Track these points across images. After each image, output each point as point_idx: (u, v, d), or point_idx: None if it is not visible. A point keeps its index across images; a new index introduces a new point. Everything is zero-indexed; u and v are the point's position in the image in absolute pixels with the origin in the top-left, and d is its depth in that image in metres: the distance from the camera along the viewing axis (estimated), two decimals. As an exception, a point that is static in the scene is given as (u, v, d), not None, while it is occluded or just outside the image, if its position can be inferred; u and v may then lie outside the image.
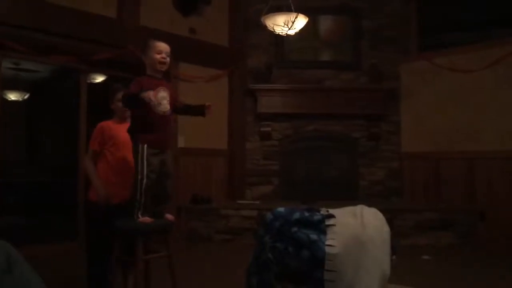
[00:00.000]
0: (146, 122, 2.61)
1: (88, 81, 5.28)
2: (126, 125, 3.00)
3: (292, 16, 3.95)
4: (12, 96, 7.18)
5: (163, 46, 2.73)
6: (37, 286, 1.13)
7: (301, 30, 4.18)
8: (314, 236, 1.80)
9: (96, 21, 4.69)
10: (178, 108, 2.85)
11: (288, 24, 3.96)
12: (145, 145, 2.59)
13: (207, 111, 2.81)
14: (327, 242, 1.77)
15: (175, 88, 2.88)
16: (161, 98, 2.64)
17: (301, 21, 4.03)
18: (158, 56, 2.68)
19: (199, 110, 2.85)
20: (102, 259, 2.83)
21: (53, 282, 2.31)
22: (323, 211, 1.95)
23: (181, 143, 5.46)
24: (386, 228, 1.97)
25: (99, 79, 6.06)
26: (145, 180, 2.57)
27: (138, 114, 2.64)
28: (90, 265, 2.97)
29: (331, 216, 1.89)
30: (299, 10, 4.00)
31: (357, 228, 1.84)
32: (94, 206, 2.94)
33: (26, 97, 7.41)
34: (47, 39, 4.38)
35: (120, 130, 2.98)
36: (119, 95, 3.01)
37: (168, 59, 2.72)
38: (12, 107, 7.45)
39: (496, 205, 5.16)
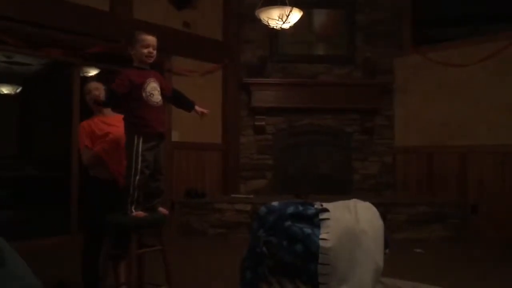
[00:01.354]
0: (139, 115, 2.58)
1: (81, 75, 5.24)
2: (100, 117, 2.99)
3: (286, 9, 3.94)
4: (5, 90, 7.14)
5: (150, 40, 2.67)
6: (30, 280, 1.13)
7: (296, 24, 4.17)
8: (308, 230, 1.81)
9: (89, 14, 4.65)
10: (168, 96, 2.82)
11: (283, 18, 3.96)
12: (141, 139, 2.57)
13: (196, 111, 2.86)
14: (321, 236, 1.78)
15: (163, 77, 2.87)
16: (152, 89, 2.62)
17: (295, 15, 4.02)
18: (145, 51, 2.63)
19: (187, 106, 2.87)
20: (99, 247, 2.84)
21: (46, 276, 2.30)
22: (317, 205, 1.95)
23: (175, 137, 5.45)
24: (379, 222, 1.98)
25: (92, 72, 6.02)
26: (138, 176, 2.55)
27: (130, 107, 2.61)
28: (87, 254, 2.95)
29: (325, 210, 1.90)
30: (294, 3, 3.99)
31: (350, 222, 1.85)
32: (98, 183, 2.91)
33: (18, 90, 7.36)
34: (39, 32, 4.34)
35: (96, 123, 2.96)
36: (87, 87, 2.97)
37: (155, 52, 2.68)
38: (4, 101, 7.40)
39: (487, 199, 5.21)
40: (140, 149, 2.56)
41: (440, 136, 5.69)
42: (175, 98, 2.89)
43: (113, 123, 2.95)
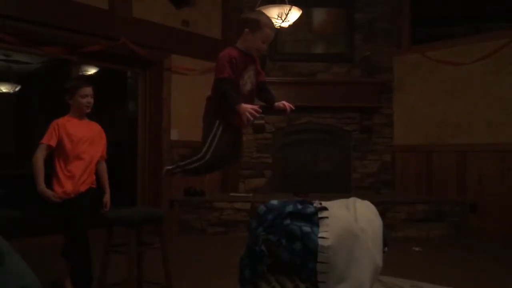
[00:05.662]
0: (226, 102, 2.42)
1: (80, 73, 5.24)
2: (86, 122, 2.96)
3: (285, 8, 3.94)
4: (3, 88, 7.12)
5: (272, 35, 2.45)
6: (29, 278, 1.12)
7: (295, 22, 4.17)
8: (307, 229, 1.80)
9: (87, 12, 4.64)
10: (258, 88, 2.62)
11: (282, 17, 3.95)
12: (218, 121, 2.45)
13: (279, 107, 2.63)
14: (319, 235, 1.78)
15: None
16: (248, 78, 2.50)
17: (294, 14, 4.02)
18: (262, 45, 2.46)
19: (271, 102, 2.68)
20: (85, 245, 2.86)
21: (44, 274, 2.31)
22: (316, 203, 1.95)
23: (174, 136, 5.45)
24: (378, 221, 1.98)
25: (91, 71, 6.01)
26: (203, 161, 2.42)
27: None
28: (81, 254, 2.94)
29: (324, 208, 1.89)
30: (293, 2, 3.99)
31: (349, 220, 1.85)
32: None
33: (17, 89, 7.35)
34: (38, 31, 4.34)
35: (78, 126, 2.91)
36: (83, 91, 2.90)
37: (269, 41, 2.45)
38: (3, 99, 7.39)
39: (486, 197, 5.22)
40: (219, 132, 2.45)
41: (439, 134, 5.69)
42: (261, 94, 2.72)
43: (92, 135, 2.95)
